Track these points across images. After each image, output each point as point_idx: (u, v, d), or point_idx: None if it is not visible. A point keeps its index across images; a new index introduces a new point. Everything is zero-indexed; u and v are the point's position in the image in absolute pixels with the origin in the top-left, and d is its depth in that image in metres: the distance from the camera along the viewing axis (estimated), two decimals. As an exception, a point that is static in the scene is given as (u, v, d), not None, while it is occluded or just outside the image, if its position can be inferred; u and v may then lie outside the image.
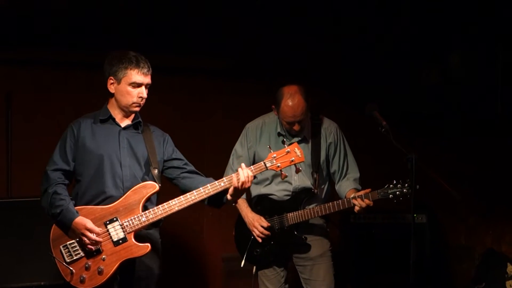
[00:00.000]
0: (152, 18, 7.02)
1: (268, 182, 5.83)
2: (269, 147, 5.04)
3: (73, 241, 4.91)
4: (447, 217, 7.37)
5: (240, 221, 5.87)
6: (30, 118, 6.85)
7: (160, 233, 5.17)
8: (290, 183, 5.77)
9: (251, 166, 4.93)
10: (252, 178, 4.91)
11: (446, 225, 7.52)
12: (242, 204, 5.82)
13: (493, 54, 7.63)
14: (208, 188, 4.90)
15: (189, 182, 5.08)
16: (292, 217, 5.69)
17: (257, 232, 5.70)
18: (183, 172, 5.17)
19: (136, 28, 6.90)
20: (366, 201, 5.43)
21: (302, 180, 5.78)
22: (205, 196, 4.91)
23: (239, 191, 4.90)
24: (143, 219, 4.89)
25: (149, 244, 4.89)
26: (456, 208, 6.86)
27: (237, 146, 5.92)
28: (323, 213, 5.62)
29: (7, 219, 6.29)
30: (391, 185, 5.42)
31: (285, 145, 5.00)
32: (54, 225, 4.97)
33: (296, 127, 5.66)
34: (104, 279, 4.86)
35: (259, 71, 7.49)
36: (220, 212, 6.85)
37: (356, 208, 5.49)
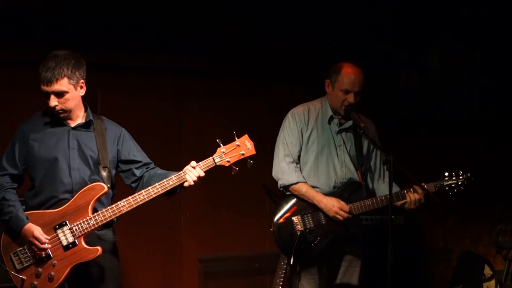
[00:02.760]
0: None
1: (307, 174, 5.45)
2: (219, 141, 4.74)
3: (22, 248, 4.70)
4: (425, 219, 7.19)
5: (283, 216, 5.44)
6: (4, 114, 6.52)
7: (126, 232, 5.05)
8: (336, 176, 5.44)
9: (200, 163, 4.70)
10: (203, 175, 4.69)
11: (424, 227, 7.40)
12: (309, 189, 5.38)
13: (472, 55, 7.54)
14: (157, 188, 4.66)
15: (141, 185, 4.84)
16: (355, 207, 5.37)
17: (342, 215, 5.29)
18: (135, 181, 4.91)
19: (117, 27, 6.63)
20: (418, 195, 5.21)
21: (347, 172, 5.46)
22: (154, 196, 4.66)
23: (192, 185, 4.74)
24: (92, 222, 4.64)
25: (99, 247, 4.65)
26: (434, 210, 6.66)
27: (286, 133, 5.49)
28: (373, 208, 5.34)
29: None
30: (446, 177, 5.28)
31: (236, 139, 4.74)
32: (3, 232, 4.79)
33: (351, 98, 5.31)
34: (55, 286, 4.63)
35: (239, 69, 7.27)
36: (197, 212, 6.94)
37: (408, 203, 5.26)
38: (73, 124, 4.79)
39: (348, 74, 5.32)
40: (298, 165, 5.49)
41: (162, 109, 6.96)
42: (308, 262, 5.41)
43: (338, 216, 5.30)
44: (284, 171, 5.44)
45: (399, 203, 5.27)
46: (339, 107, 5.37)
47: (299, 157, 5.50)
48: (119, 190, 4.91)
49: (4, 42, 6.46)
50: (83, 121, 4.81)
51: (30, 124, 4.83)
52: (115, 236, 4.88)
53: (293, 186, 5.39)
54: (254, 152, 4.77)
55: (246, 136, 4.79)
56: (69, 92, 4.67)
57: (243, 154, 4.72)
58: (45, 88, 4.64)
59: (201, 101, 7.25)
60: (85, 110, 4.84)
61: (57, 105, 4.66)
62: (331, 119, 5.47)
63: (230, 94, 7.33)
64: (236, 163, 4.72)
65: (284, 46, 7.15)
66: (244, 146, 4.73)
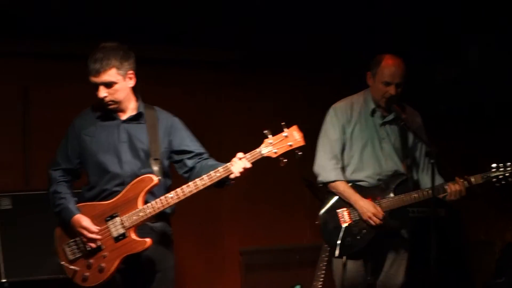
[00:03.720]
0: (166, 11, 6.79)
1: (353, 168, 5.45)
2: (267, 132, 4.61)
3: (74, 239, 4.73)
4: (467, 212, 7.13)
5: (329, 209, 5.43)
6: (47, 112, 6.71)
7: (173, 225, 4.93)
8: (381, 168, 5.42)
9: (247, 154, 4.60)
10: (249, 168, 4.59)
11: (466, 220, 7.31)
12: (347, 189, 5.39)
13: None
14: (204, 179, 4.59)
15: (192, 176, 4.79)
16: (386, 203, 5.33)
17: (375, 221, 5.27)
18: (187, 171, 4.89)
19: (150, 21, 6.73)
20: (459, 186, 5.17)
21: (392, 165, 5.43)
22: (201, 187, 4.61)
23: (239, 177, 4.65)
24: (141, 213, 4.63)
25: (148, 239, 4.64)
26: (476, 203, 6.49)
27: (328, 129, 5.48)
28: (418, 200, 5.27)
29: (25, 211, 6.19)
30: (493, 169, 5.18)
31: (284, 130, 4.60)
32: (58, 224, 4.83)
33: (392, 90, 5.29)
34: (105, 277, 4.65)
35: (269, 63, 7.31)
36: (238, 206, 6.97)
37: (449, 194, 5.21)
38: (123, 116, 4.81)
39: (389, 66, 5.30)
40: (340, 162, 5.48)
41: (197, 101, 7.03)
42: (353, 254, 5.37)
43: (371, 221, 5.30)
44: (324, 167, 5.45)
45: (441, 195, 5.20)
46: (380, 99, 5.36)
47: (342, 152, 5.49)
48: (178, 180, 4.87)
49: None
50: (134, 113, 4.82)
51: (81, 119, 4.87)
52: (171, 229, 4.88)
53: (331, 184, 5.40)
54: (303, 143, 4.65)
55: (295, 126, 4.65)
56: (118, 83, 4.69)
57: (291, 145, 4.59)
58: (93, 79, 4.65)
59: (236, 94, 7.30)
60: (137, 103, 4.85)
61: (106, 96, 4.68)
62: (373, 112, 5.44)
63: (267, 86, 7.39)
64: (284, 155, 4.62)
65: (320, 39, 7.14)
66: (292, 137, 4.61)
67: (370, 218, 5.27)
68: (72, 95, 6.52)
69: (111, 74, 4.65)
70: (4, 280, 5.94)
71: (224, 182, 4.68)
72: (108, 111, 4.79)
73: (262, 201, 7.18)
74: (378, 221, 5.27)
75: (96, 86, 4.67)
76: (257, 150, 4.58)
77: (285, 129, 4.58)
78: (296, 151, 4.61)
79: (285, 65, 7.33)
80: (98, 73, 4.64)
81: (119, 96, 4.71)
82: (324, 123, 5.51)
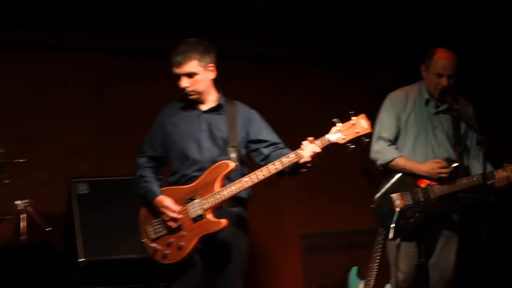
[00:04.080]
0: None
1: (406, 154, 5.56)
2: (336, 120, 4.72)
3: (156, 219, 4.94)
4: None
5: (383, 194, 5.56)
6: (120, 103, 6.91)
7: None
8: (434, 155, 5.50)
9: (316, 140, 4.70)
10: (318, 152, 4.68)
11: None
12: (407, 162, 5.51)
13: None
14: (276, 164, 4.76)
15: (268, 163, 4.90)
16: (438, 188, 5.41)
17: (445, 174, 5.38)
18: (263, 159, 5.03)
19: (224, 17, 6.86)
20: (507, 172, 5.31)
21: (444, 152, 5.53)
22: (275, 171, 4.77)
23: (310, 162, 4.73)
24: (218, 196, 4.82)
25: (224, 220, 4.81)
26: None
27: (383, 117, 5.64)
28: (470, 186, 5.37)
29: (100, 196, 6.41)
30: None
31: (351, 118, 4.71)
32: (142, 205, 5.04)
33: (444, 81, 5.42)
34: (184, 255, 4.84)
35: (339, 59, 7.43)
36: (297, 190, 7.05)
37: (497, 180, 5.32)
38: (204, 108, 5.01)
39: (441, 59, 5.43)
40: (394, 145, 5.57)
41: (265, 94, 7.08)
42: (406, 237, 5.46)
43: (442, 174, 5.37)
44: (378, 151, 5.55)
45: (490, 181, 5.27)
46: (434, 90, 5.48)
47: (396, 138, 5.59)
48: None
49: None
50: (214, 105, 5.02)
51: (167, 110, 5.10)
52: (247, 214, 5.04)
53: (391, 163, 5.49)
54: (370, 130, 4.76)
55: (363, 115, 4.76)
56: (199, 74, 4.89)
57: (358, 132, 4.69)
58: (176, 70, 4.88)
59: (305, 87, 7.40)
60: (218, 95, 5.05)
61: (188, 86, 4.90)
62: (427, 102, 5.55)
63: (332, 80, 7.46)
64: (351, 141, 4.69)
65: (385, 36, 7.31)
66: (359, 125, 4.71)
67: (440, 173, 5.37)
68: (144, 88, 6.82)
69: (192, 65, 4.87)
70: (82, 259, 6.09)
71: (297, 170, 4.81)
72: (190, 103, 5.01)
73: (321, 188, 7.21)
74: (447, 170, 5.35)
75: (178, 77, 4.89)
76: (326, 136, 4.69)
77: (353, 118, 4.69)
78: (363, 138, 4.72)
79: (350, 62, 7.45)
80: (180, 64, 4.86)
81: (199, 86, 4.92)
82: (380, 111, 5.64)
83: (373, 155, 5.57)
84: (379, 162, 5.56)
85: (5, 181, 5.83)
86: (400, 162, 5.49)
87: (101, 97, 6.86)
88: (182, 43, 4.95)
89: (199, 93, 4.96)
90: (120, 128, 6.76)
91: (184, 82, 4.90)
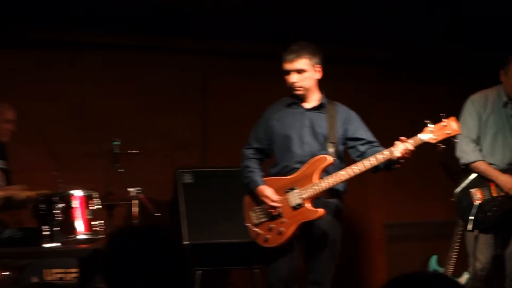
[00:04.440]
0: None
1: (485, 153, 5.66)
2: (428, 122, 4.85)
3: (259, 207, 5.10)
4: None
5: (463, 188, 5.64)
6: (223, 101, 7.16)
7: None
8: (510, 154, 5.62)
9: (409, 139, 4.83)
10: (411, 150, 4.82)
11: None
12: (488, 167, 5.59)
13: None
14: (371, 160, 4.90)
15: (362, 158, 5.05)
16: None
17: None
18: (359, 155, 5.14)
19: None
20: None
21: None
22: (370, 167, 4.91)
23: (402, 160, 4.86)
24: (316, 187, 4.96)
25: (321, 209, 4.95)
26: None
27: (466, 118, 5.66)
28: None
29: (204, 185, 6.64)
30: None
31: (443, 119, 4.86)
32: (246, 193, 5.20)
33: None
34: (284, 239, 5.00)
35: (414, 63, 7.50)
36: (383, 183, 7.18)
37: None
38: (307, 106, 5.14)
39: None
40: (478, 145, 5.61)
41: (352, 95, 6.91)
42: (484, 229, 5.52)
43: (511, 191, 5.44)
44: (464, 151, 5.58)
45: None
46: None
47: (478, 138, 5.63)
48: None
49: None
50: (317, 104, 5.15)
51: (273, 107, 5.26)
52: (343, 206, 5.18)
53: (473, 164, 5.55)
54: (460, 132, 4.90)
55: (453, 117, 4.89)
56: (307, 72, 5.06)
57: (448, 133, 4.82)
58: (287, 66, 5.05)
59: (391, 89, 7.56)
60: (320, 95, 5.17)
61: (296, 82, 5.05)
62: (505, 104, 5.60)
63: (414, 83, 7.59)
64: (442, 141, 4.84)
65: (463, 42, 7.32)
66: (450, 126, 4.83)
67: (510, 189, 5.45)
68: (244, 87, 7.08)
69: (302, 63, 5.04)
70: (186, 242, 6.27)
71: (390, 166, 4.93)
72: (295, 101, 5.17)
73: (404, 182, 7.23)
74: None
75: (288, 73, 5.06)
76: (419, 136, 4.83)
77: (444, 120, 4.84)
78: (453, 138, 4.91)
79: (435, 67, 7.51)
80: (292, 60, 5.04)
81: (306, 83, 5.07)
82: (463, 113, 5.66)
83: (458, 153, 5.60)
84: (462, 161, 5.63)
85: (120, 170, 6.02)
86: (482, 166, 5.58)
87: (206, 95, 7.05)
88: (294, 44, 5.10)
89: (306, 89, 5.09)
90: (222, 124, 6.99)
91: (294, 78, 5.05)
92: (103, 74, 6.94)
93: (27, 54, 6.75)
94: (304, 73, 5.09)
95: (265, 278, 5.25)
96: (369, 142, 5.17)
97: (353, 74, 7.43)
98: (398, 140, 4.87)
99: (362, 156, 5.08)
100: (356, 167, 4.94)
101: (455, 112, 5.43)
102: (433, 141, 4.86)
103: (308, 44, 5.13)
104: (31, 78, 6.75)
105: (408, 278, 2.24)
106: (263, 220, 5.10)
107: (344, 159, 5.17)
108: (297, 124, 5.15)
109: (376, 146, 5.10)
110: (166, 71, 7.09)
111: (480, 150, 5.66)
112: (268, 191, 5.02)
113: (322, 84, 5.28)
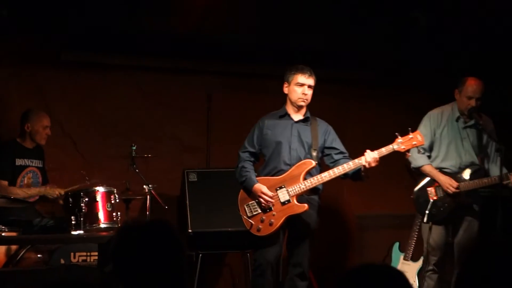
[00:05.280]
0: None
1: (441, 159, 5.66)
2: (397, 134, 4.97)
3: (253, 201, 5.14)
4: None
5: (421, 187, 5.65)
6: (224, 113, 7.05)
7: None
8: (461, 160, 5.61)
9: (382, 149, 4.95)
10: (378, 158, 4.90)
11: None
12: (432, 170, 5.60)
13: None
14: (344, 167, 5.01)
15: (335, 165, 5.16)
16: (463, 185, 5.50)
17: (452, 189, 5.49)
18: (332, 162, 5.22)
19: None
20: None
21: (470, 158, 5.61)
22: (343, 172, 5.00)
23: (368, 168, 4.94)
24: (302, 186, 5.04)
25: (306, 205, 5.04)
26: None
27: (421, 129, 5.58)
28: (488, 184, 5.46)
29: (206, 183, 6.53)
30: None
31: (410, 132, 4.99)
32: (241, 190, 5.23)
33: (473, 103, 5.50)
34: (273, 229, 5.06)
35: (398, 82, 7.45)
36: (357, 183, 6.68)
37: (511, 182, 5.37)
38: (296, 119, 5.23)
39: (472, 85, 5.51)
40: (426, 152, 5.61)
41: (331, 112, 6.75)
42: (437, 221, 5.56)
43: (448, 190, 5.48)
44: (413, 157, 5.58)
45: (505, 182, 5.32)
46: (464, 109, 5.55)
47: (429, 146, 5.63)
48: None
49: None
50: (303, 117, 5.24)
51: (266, 118, 5.30)
52: (320, 201, 5.25)
53: (421, 168, 5.62)
54: (423, 143, 5.06)
55: (418, 131, 5.08)
56: (312, 90, 5.19)
57: (414, 144, 4.95)
58: (304, 79, 5.12)
59: (365, 106, 7.43)
60: (306, 111, 5.26)
61: (307, 95, 5.14)
62: (458, 118, 5.63)
63: (388, 100, 7.42)
64: (408, 150, 4.99)
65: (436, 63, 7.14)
66: (416, 138, 4.97)
67: (447, 188, 5.47)
68: (242, 102, 6.97)
69: (314, 81, 5.18)
70: (190, 230, 6.25)
71: (361, 176, 5.04)
72: (285, 115, 5.22)
73: (374, 182, 6.33)
74: (453, 189, 5.45)
75: (302, 85, 5.13)
76: (390, 146, 4.97)
77: (411, 133, 5.00)
78: (418, 148, 5.12)
79: (403, 83, 7.36)
80: (309, 76, 5.14)
81: (310, 98, 5.20)
82: (420, 124, 5.69)
83: (409, 159, 5.62)
84: (412, 166, 5.69)
85: (136, 170, 6.00)
86: (427, 168, 5.63)
87: (210, 108, 6.94)
88: (301, 65, 5.18)
89: (307, 102, 5.20)
90: (223, 132, 6.90)
91: (307, 90, 5.14)
92: (124, 90, 6.90)
93: (62, 73, 6.69)
94: (311, 90, 5.20)
95: (253, 260, 5.30)
96: (342, 152, 5.26)
97: (335, 92, 7.35)
98: (371, 150, 4.97)
99: (335, 163, 5.19)
100: (337, 170, 5.03)
101: (417, 125, 5.60)
102: (402, 150, 5.00)
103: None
104: (64, 92, 6.73)
105: (360, 270, 2.24)
106: (255, 213, 5.13)
107: (321, 164, 5.27)
108: (287, 133, 5.20)
109: (347, 157, 5.21)
110: (177, 88, 7.05)
111: (429, 157, 5.71)
112: (264, 189, 5.06)
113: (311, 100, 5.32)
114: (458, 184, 5.51)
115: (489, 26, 6.69)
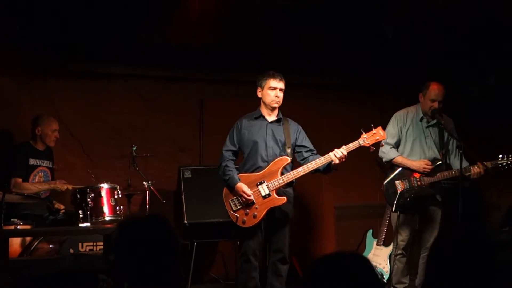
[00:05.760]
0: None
1: (406, 154, 5.63)
2: (362, 130, 5.01)
3: (236, 197, 5.15)
4: (484, 183, 6.48)
5: (390, 180, 5.60)
6: (215, 115, 6.98)
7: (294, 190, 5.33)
8: (425, 156, 5.60)
9: (349, 144, 4.99)
10: (346, 154, 4.93)
11: (483, 189, 6.83)
12: (404, 159, 5.58)
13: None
14: (315, 162, 5.02)
15: (305, 162, 5.19)
16: (427, 178, 5.50)
17: (428, 168, 5.46)
18: (302, 159, 5.24)
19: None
20: (479, 169, 5.33)
21: (433, 154, 5.60)
22: (315, 167, 5.02)
23: (338, 164, 4.99)
24: (280, 181, 5.06)
25: (285, 197, 5.09)
26: (490, 178, 5.85)
27: (389, 128, 5.68)
28: (449, 176, 5.45)
29: (199, 179, 6.53)
30: (499, 158, 5.32)
31: (373, 128, 5.03)
32: (225, 187, 5.24)
33: (435, 105, 5.50)
34: (257, 221, 5.09)
35: (362, 86, 7.40)
36: (333, 176, 6.59)
37: (473, 174, 5.36)
38: (270, 119, 5.25)
39: (434, 89, 5.54)
40: (394, 148, 5.63)
41: (310, 114, 6.95)
42: (404, 210, 5.59)
43: (426, 169, 5.47)
44: (384, 152, 5.62)
45: (467, 174, 5.36)
46: (427, 111, 5.59)
47: (396, 143, 5.65)
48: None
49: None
50: (276, 118, 5.26)
51: (244, 119, 5.30)
52: (294, 192, 5.28)
53: (393, 160, 5.62)
54: (385, 138, 5.14)
55: (380, 127, 5.10)
56: (282, 92, 5.19)
57: (377, 139, 5.01)
58: (275, 83, 5.11)
59: (337, 108, 7.38)
60: (278, 112, 5.29)
61: (279, 97, 5.14)
62: (422, 118, 5.67)
63: (356, 101, 7.37)
64: (373, 145, 5.03)
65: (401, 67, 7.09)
66: (378, 134, 5.02)
67: (424, 168, 5.46)
68: (231, 106, 6.78)
69: (284, 85, 5.19)
70: (185, 221, 6.25)
71: (330, 169, 5.09)
72: (260, 116, 5.21)
73: (349, 175, 6.97)
74: (430, 166, 5.45)
75: (273, 89, 5.12)
76: (357, 141, 5.01)
77: (374, 129, 5.04)
78: (381, 142, 5.15)
79: (371, 87, 7.32)
80: (280, 80, 5.15)
81: (281, 100, 5.20)
82: (388, 124, 5.74)
83: (380, 154, 5.67)
84: (384, 159, 5.70)
85: (137, 169, 5.97)
86: (399, 159, 5.64)
87: (202, 112, 6.94)
88: (272, 71, 5.18)
89: (279, 104, 5.20)
90: (214, 134, 6.71)
91: (279, 93, 5.15)
92: (125, 97, 6.85)
93: (69, 81, 6.65)
94: (282, 92, 5.21)
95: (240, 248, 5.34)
96: (311, 150, 5.30)
97: (308, 96, 7.33)
98: (339, 147, 5.00)
99: (305, 160, 5.21)
100: (311, 165, 5.04)
101: (382, 123, 5.52)
102: (367, 145, 5.04)
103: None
104: (72, 99, 6.70)
105: (329, 258, 2.26)
106: (239, 207, 5.14)
107: (293, 160, 5.28)
108: (262, 132, 5.22)
109: (315, 154, 5.23)
110: (173, 94, 7.00)
111: (397, 150, 5.70)
112: (245, 188, 5.07)
113: (285, 103, 5.33)
114: (432, 164, 5.50)
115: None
